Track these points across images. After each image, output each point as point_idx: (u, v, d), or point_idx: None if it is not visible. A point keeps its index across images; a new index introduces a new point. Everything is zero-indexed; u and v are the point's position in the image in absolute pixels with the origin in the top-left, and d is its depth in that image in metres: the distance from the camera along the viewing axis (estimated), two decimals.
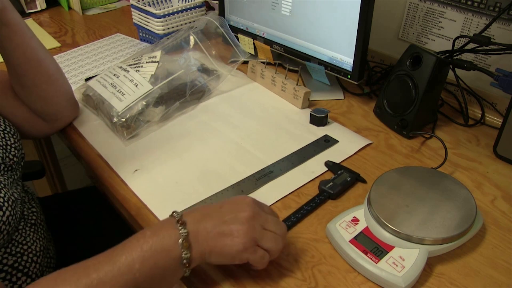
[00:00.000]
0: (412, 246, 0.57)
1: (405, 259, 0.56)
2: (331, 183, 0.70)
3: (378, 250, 0.58)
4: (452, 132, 0.85)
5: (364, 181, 0.73)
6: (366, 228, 0.61)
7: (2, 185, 0.61)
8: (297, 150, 0.79)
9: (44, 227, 0.74)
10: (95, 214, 0.92)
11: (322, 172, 0.74)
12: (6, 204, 0.59)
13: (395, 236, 0.58)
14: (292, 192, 0.71)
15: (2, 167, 0.66)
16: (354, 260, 0.58)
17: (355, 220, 0.62)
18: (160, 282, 0.51)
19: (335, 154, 0.78)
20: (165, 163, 0.77)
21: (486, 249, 0.61)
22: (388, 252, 0.57)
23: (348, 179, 0.71)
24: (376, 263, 0.56)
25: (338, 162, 0.76)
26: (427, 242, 0.57)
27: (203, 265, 0.59)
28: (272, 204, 0.68)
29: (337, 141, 0.81)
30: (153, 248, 0.49)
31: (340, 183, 0.70)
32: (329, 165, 0.75)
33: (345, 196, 0.70)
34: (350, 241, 0.59)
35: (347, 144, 0.81)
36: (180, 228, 0.50)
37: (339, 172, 0.73)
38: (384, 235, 0.59)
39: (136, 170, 0.75)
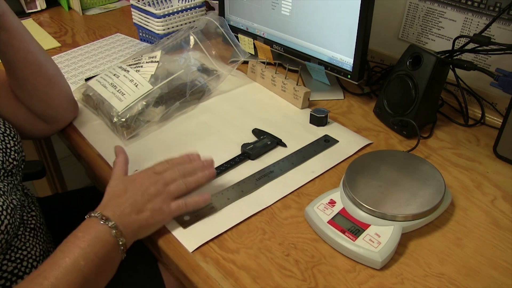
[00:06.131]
0: (387, 223, 0.61)
1: (381, 235, 0.59)
2: (251, 146, 0.77)
3: (355, 229, 0.61)
4: (452, 132, 0.85)
5: (284, 145, 0.78)
6: (343, 209, 0.64)
7: (1, 192, 0.61)
8: (297, 150, 0.79)
9: (44, 230, 0.74)
10: None
11: (322, 172, 0.74)
12: (4, 212, 0.59)
13: (370, 214, 0.62)
14: (292, 192, 0.71)
15: (1, 173, 0.65)
16: (333, 239, 0.60)
17: (332, 202, 0.65)
18: (104, 270, 0.57)
19: (335, 154, 0.78)
20: None
21: (486, 249, 0.61)
22: (364, 230, 0.60)
23: (269, 142, 0.78)
24: (354, 241, 0.59)
25: (338, 162, 0.76)
26: (400, 218, 0.61)
27: (204, 266, 0.59)
28: (272, 204, 0.68)
29: (337, 141, 0.81)
30: (91, 244, 0.55)
31: (260, 146, 0.78)
32: (255, 132, 0.83)
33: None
34: (328, 222, 0.62)
35: (347, 144, 0.81)
36: (106, 222, 0.57)
37: (261, 137, 0.80)
38: (360, 215, 0.62)
39: (136, 170, 0.75)
